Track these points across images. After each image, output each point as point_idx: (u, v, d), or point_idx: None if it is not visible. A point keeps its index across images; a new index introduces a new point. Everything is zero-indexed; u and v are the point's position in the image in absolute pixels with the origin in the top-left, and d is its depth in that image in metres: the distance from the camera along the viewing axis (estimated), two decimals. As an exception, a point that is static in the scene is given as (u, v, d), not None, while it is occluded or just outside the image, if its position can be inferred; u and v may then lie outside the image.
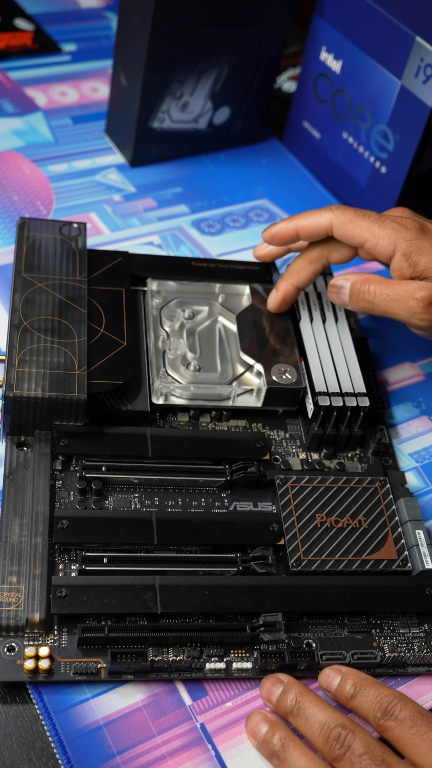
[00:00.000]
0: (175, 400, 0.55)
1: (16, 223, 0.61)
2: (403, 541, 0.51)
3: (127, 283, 0.59)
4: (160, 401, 0.55)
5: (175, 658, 0.46)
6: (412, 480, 0.58)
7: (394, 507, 0.53)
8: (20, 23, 0.84)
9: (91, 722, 0.44)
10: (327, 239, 0.57)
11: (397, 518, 0.52)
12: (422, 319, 0.53)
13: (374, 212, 0.56)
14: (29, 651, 0.44)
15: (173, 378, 0.56)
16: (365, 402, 0.55)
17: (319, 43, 0.73)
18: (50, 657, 0.45)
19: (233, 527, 0.50)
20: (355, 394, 0.55)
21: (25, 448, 0.52)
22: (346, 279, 0.56)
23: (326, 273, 0.63)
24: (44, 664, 0.44)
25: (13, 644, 0.45)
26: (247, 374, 0.57)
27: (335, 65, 0.72)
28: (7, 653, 0.45)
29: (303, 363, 0.57)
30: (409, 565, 0.51)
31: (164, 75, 0.68)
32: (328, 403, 0.55)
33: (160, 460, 0.52)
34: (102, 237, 0.68)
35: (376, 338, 0.66)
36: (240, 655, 0.47)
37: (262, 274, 0.63)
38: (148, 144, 0.73)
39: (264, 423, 0.57)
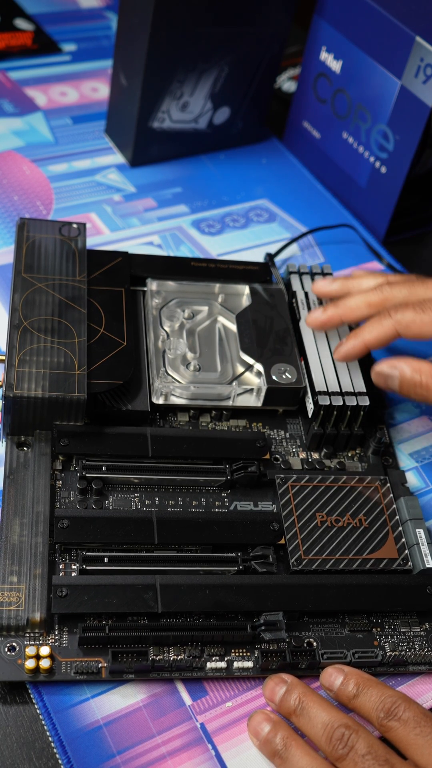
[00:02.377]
0: (175, 400, 0.55)
1: (16, 223, 0.61)
2: (403, 540, 0.51)
3: (127, 283, 0.59)
4: (160, 401, 0.55)
5: (175, 657, 0.46)
6: (412, 480, 0.58)
7: (394, 506, 0.53)
8: (20, 23, 0.84)
9: (91, 722, 0.44)
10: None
11: (397, 517, 0.52)
12: None
13: (422, 288, 0.53)
14: (30, 651, 0.44)
15: (173, 378, 0.56)
16: (365, 401, 0.55)
17: (319, 43, 0.73)
18: (51, 656, 0.45)
19: (234, 527, 0.50)
20: (355, 394, 0.55)
21: (25, 448, 0.51)
22: (393, 367, 0.53)
23: (326, 273, 0.63)
24: (45, 663, 0.44)
25: (13, 644, 0.45)
26: (247, 374, 0.57)
27: (335, 65, 0.72)
28: (8, 653, 0.45)
29: (303, 362, 0.57)
30: (409, 563, 0.51)
31: (164, 75, 0.68)
32: (328, 403, 0.55)
33: (161, 460, 0.52)
34: (102, 237, 0.68)
35: (376, 338, 0.66)
36: (241, 654, 0.47)
37: (261, 274, 0.63)
38: (148, 144, 0.73)
39: (264, 423, 0.57)
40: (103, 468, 0.51)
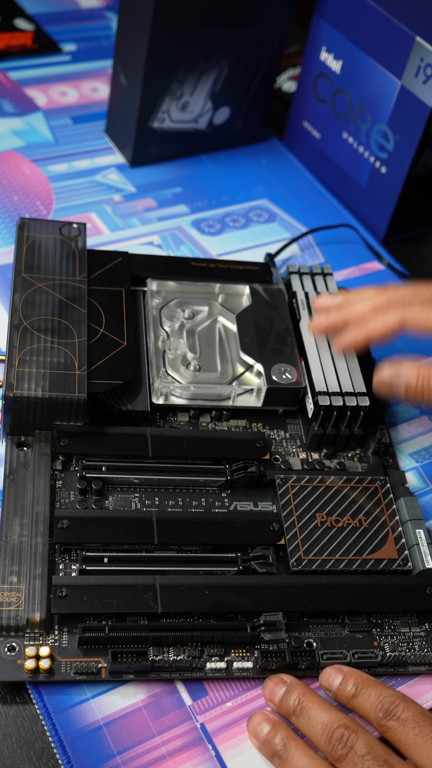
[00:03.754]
0: (175, 400, 0.55)
1: (16, 223, 0.61)
2: (403, 540, 0.51)
3: (127, 283, 0.59)
4: (160, 401, 0.55)
5: (175, 657, 0.46)
6: (412, 480, 0.58)
7: (394, 506, 0.53)
8: (20, 23, 0.84)
9: (91, 722, 0.44)
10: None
11: (397, 518, 0.52)
12: None
13: (427, 289, 0.53)
14: (30, 651, 0.44)
15: (173, 378, 0.56)
16: (365, 401, 0.55)
17: (319, 43, 0.73)
18: (51, 657, 0.45)
19: (233, 527, 0.50)
20: (355, 394, 0.55)
21: (25, 448, 0.51)
22: (397, 375, 0.51)
23: (326, 273, 0.63)
24: (45, 663, 0.44)
25: (13, 644, 0.45)
26: (247, 374, 0.57)
27: (335, 65, 0.72)
28: (8, 653, 0.45)
29: (303, 363, 0.57)
30: (409, 564, 0.51)
31: (164, 75, 0.68)
32: (328, 403, 0.55)
33: (161, 460, 0.52)
34: (102, 237, 0.68)
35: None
36: (241, 654, 0.47)
37: (262, 274, 0.63)
38: (148, 144, 0.73)
39: (264, 423, 0.57)
40: (103, 468, 0.51)
